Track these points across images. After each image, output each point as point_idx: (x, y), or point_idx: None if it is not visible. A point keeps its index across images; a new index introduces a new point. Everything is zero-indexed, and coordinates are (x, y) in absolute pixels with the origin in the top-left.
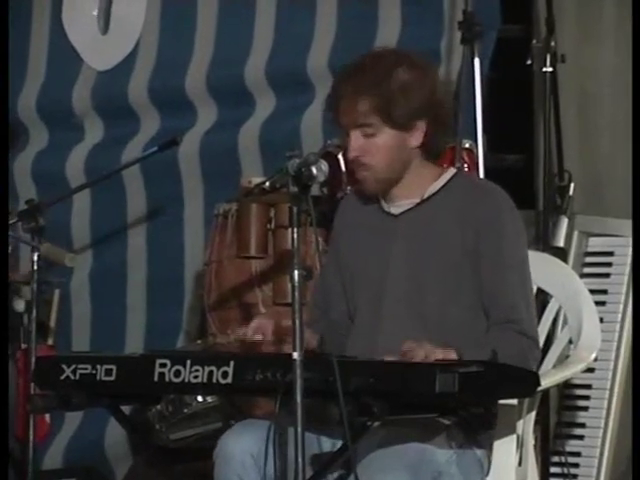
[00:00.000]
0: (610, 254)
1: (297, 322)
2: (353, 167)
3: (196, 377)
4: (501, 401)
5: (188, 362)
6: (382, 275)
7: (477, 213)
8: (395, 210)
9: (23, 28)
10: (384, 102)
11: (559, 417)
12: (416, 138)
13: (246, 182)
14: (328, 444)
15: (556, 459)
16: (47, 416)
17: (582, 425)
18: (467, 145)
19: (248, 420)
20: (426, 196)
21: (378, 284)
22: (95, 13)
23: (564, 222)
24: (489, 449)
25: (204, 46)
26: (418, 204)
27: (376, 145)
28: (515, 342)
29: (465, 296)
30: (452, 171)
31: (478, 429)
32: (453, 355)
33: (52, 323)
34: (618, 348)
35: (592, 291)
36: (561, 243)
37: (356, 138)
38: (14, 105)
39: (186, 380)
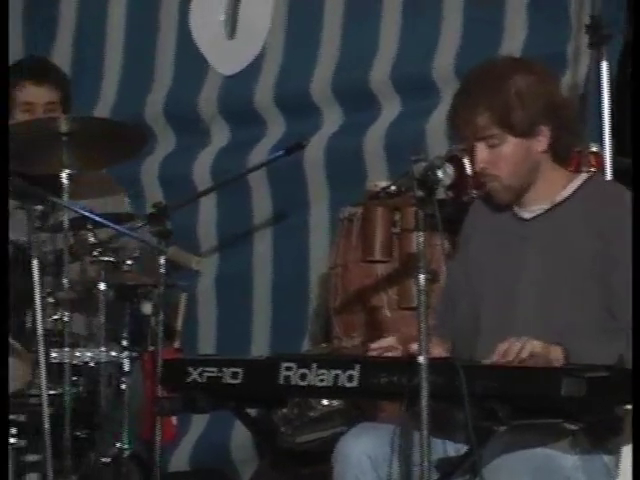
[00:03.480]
0: None
1: (422, 326)
2: (481, 179)
3: (322, 380)
4: (628, 406)
5: (314, 365)
6: (512, 279)
7: (608, 219)
8: (526, 214)
9: (150, 33)
10: (502, 112)
11: None
12: (541, 143)
13: (372, 186)
14: (453, 449)
15: None
16: (174, 418)
17: None
18: (594, 149)
19: (367, 423)
20: (558, 201)
21: (508, 288)
22: (222, 18)
23: None
24: (617, 455)
25: (330, 50)
26: (549, 209)
27: (501, 155)
28: None
29: (593, 301)
30: (584, 176)
31: (605, 435)
32: (557, 352)
33: (179, 326)
34: None
35: None
36: None
37: (481, 150)
38: (141, 109)
39: (312, 383)
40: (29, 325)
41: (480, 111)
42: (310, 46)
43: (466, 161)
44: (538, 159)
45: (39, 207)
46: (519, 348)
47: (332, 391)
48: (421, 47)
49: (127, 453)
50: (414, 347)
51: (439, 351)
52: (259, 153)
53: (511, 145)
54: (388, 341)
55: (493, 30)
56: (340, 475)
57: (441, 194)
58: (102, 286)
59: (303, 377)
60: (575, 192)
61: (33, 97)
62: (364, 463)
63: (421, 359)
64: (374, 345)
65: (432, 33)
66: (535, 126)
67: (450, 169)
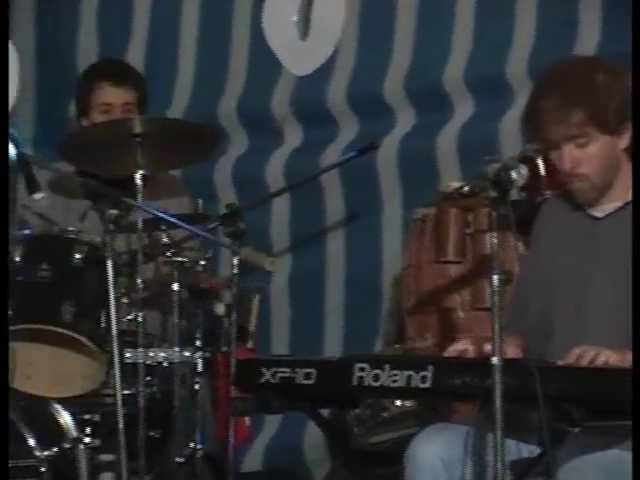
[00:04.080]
0: None
1: (496, 326)
2: (567, 179)
3: (395, 381)
4: None
5: (387, 366)
6: (585, 279)
7: None
8: (598, 213)
9: (224, 34)
10: (597, 110)
11: None
12: (624, 141)
13: (445, 186)
14: (527, 450)
15: None
16: (247, 419)
17: None
18: None
19: (440, 424)
20: (629, 199)
21: (580, 288)
22: (295, 19)
23: None
24: None
25: (403, 50)
26: (621, 207)
27: (590, 154)
28: None
29: None
30: None
31: None
32: (629, 357)
33: (252, 327)
34: None
35: None
36: None
37: (570, 150)
38: (215, 110)
39: (385, 384)
40: (103, 325)
41: (574, 110)
42: (383, 46)
43: (540, 162)
44: (620, 157)
45: (113, 208)
46: (593, 356)
47: (405, 392)
48: (494, 47)
49: (200, 453)
50: (488, 348)
51: (513, 350)
52: (332, 154)
53: (600, 144)
54: (462, 344)
55: (567, 29)
56: (412, 476)
57: (514, 195)
58: (175, 286)
59: (376, 378)
60: None
61: (111, 98)
62: (436, 464)
63: (495, 360)
64: (450, 349)
65: (506, 33)
66: (622, 124)
67: (524, 170)
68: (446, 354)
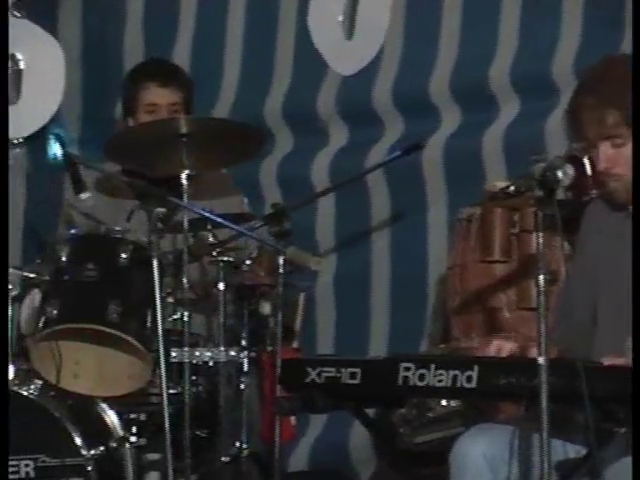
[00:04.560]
0: None
1: (542, 326)
2: (603, 178)
3: (440, 381)
4: None
5: (432, 366)
6: (629, 278)
7: None
8: None
9: (269, 34)
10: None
11: None
12: None
13: (490, 186)
14: (573, 450)
15: None
16: (293, 418)
17: None
18: None
19: (485, 424)
20: None
21: (625, 287)
22: (340, 18)
23: None
24: None
25: (448, 50)
26: None
27: (626, 155)
28: None
29: None
30: None
31: None
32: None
33: (297, 326)
34: None
35: None
36: None
37: (605, 149)
38: (260, 110)
39: (430, 384)
40: (149, 325)
41: (611, 110)
42: (428, 46)
43: (586, 161)
44: None
45: (159, 208)
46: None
47: (451, 392)
48: (540, 46)
49: (246, 453)
50: (532, 350)
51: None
52: (377, 153)
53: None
54: (499, 343)
55: (613, 29)
56: (457, 476)
57: (561, 194)
58: (221, 286)
59: (422, 378)
60: None
61: (157, 98)
62: (481, 464)
63: (541, 360)
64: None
65: (552, 32)
66: None
67: (570, 169)
68: (478, 353)
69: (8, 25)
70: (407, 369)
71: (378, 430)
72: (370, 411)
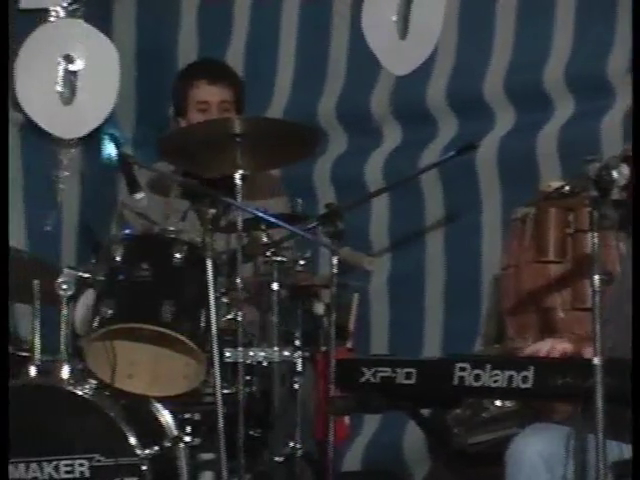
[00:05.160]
0: None
1: (597, 327)
2: None
3: (496, 381)
4: None
5: (488, 366)
6: None
7: None
8: None
9: (323, 34)
10: None
11: None
12: None
13: (545, 186)
14: (629, 451)
15: None
16: (347, 418)
17: None
18: None
19: (540, 424)
20: None
21: None
22: (394, 18)
23: None
24: None
25: (502, 50)
26: None
27: None
28: None
29: None
30: None
31: None
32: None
33: (351, 326)
34: None
35: None
36: None
37: None
38: (314, 110)
39: (486, 384)
40: (203, 325)
41: None
42: (482, 46)
43: None
44: None
45: (213, 208)
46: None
47: (506, 392)
48: (595, 46)
49: (300, 453)
50: (587, 351)
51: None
52: (431, 153)
53: None
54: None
55: None
56: (513, 476)
57: (616, 194)
58: (275, 286)
59: (477, 378)
60: None
61: (208, 96)
62: (537, 464)
63: (596, 360)
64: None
65: (606, 32)
66: None
67: (625, 169)
68: (527, 351)
69: (8, 25)
70: (463, 369)
71: (432, 430)
72: (425, 411)
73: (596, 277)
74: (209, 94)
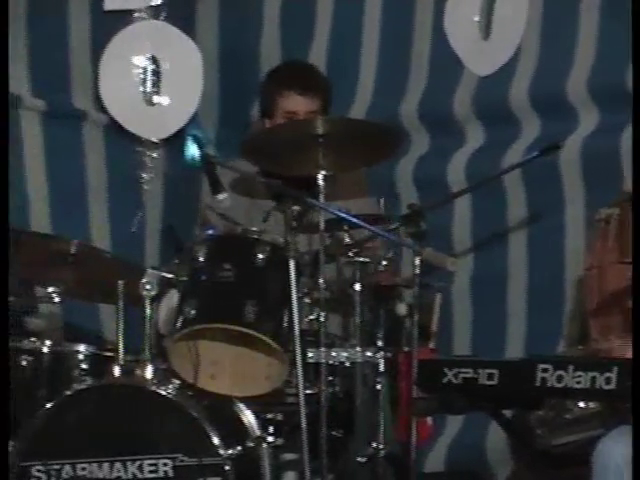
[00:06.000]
0: None
1: None
2: None
3: (578, 382)
4: None
5: (571, 367)
6: None
7: None
8: None
9: (405, 34)
10: None
11: None
12: None
13: (629, 186)
14: None
15: None
16: (429, 419)
17: None
18: None
19: (626, 426)
20: None
21: None
22: (477, 18)
23: None
24: None
25: (586, 50)
26: None
27: None
28: None
29: None
30: None
31: None
32: None
33: (434, 327)
34: None
35: None
36: None
37: None
38: (396, 110)
39: (568, 385)
40: (286, 325)
41: None
42: (566, 46)
43: None
44: None
45: (296, 208)
46: None
47: (589, 393)
48: None
49: (382, 453)
50: None
51: None
52: (514, 154)
53: None
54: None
55: None
56: (600, 476)
57: None
58: (357, 286)
59: (560, 379)
60: None
61: (296, 106)
62: (624, 466)
63: None
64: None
65: None
66: None
67: None
68: (616, 354)
69: (8, 26)
70: (545, 370)
71: (515, 431)
72: (507, 412)
73: None
74: (298, 105)
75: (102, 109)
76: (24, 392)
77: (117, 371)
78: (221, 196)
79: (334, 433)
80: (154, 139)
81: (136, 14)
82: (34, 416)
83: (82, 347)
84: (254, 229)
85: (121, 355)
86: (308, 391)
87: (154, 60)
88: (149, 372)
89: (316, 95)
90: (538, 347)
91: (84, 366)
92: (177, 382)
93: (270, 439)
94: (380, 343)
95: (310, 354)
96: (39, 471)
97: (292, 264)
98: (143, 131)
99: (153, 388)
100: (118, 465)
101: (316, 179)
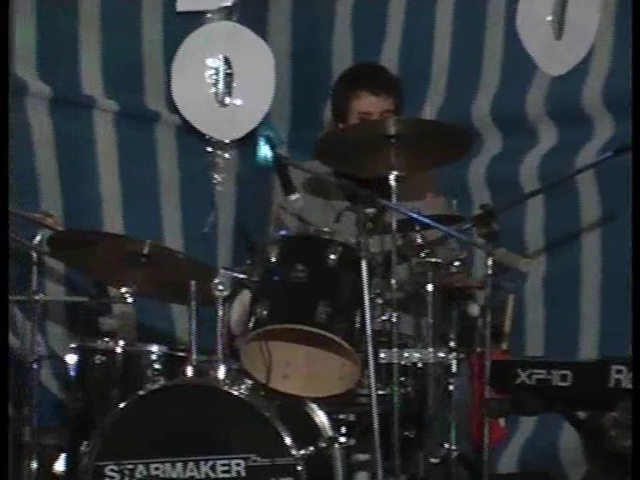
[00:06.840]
0: None
1: None
2: None
3: None
4: None
5: None
6: None
7: None
8: None
9: (478, 34)
10: None
11: None
12: None
13: None
14: None
15: None
16: (502, 420)
17: None
18: None
19: None
20: None
21: None
22: (549, 18)
23: None
24: None
25: None
26: None
27: None
28: None
29: None
30: None
31: None
32: None
33: (506, 328)
34: None
35: None
36: None
37: None
38: (468, 110)
39: None
40: (358, 326)
41: None
42: None
43: None
44: None
45: (369, 209)
46: None
47: None
48: None
49: (455, 454)
50: None
51: None
52: (587, 154)
53: None
54: None
55: None
56: None
57: None
58: (429, 287)
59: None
60: None
61: (370, 107)
62: None
63: None
64: None
65: None
66: None
67: None
68: None
69: (8, 26)
70: (619, 372)
71: (589, 432)
72: (580, 413)
73: None
74: (372, 105)
75: (175, 110)
76: (98, 392)
77: (190, 371)
78: (293, 197)
79: (406, 434)
80: (226, 140)
81: (208, 15)
82: (107, 416)
83: (155, 347)
84: (326, 229)
85: (194, 355)
86: (380, 392)
87: (226, 61)
88: (222, 372)
89: (389, 95)
90: (612, 348)
91: (157, 366)
92: (249, 382)
93: (342, 440)
94: (452, 344)
95: (382, 355)
96: (113, 470)
97: (364, 265)
98: (215, 132)
99: (226, 388)
100: (191, 465)
101: (388, 180)
